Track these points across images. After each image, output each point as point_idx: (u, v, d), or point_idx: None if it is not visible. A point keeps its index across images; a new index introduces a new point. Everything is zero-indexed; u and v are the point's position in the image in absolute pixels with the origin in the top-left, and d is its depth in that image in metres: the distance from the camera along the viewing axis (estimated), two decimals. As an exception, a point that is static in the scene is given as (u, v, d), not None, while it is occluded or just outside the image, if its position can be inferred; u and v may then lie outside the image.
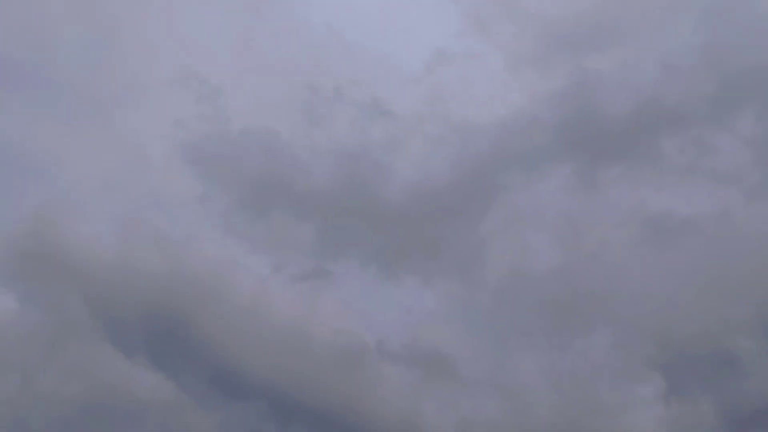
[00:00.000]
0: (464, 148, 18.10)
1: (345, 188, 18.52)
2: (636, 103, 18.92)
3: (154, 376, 26.60)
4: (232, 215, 19.90)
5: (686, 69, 18.46)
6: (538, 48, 18.47)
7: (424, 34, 19.30)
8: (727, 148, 21.48)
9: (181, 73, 17.08)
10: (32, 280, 17.05)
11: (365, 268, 24.13)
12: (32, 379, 17.35)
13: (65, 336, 20.00)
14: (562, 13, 18.35)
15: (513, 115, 17.93)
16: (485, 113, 18.62)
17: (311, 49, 19.14)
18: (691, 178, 24.60)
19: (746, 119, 19.87)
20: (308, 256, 25.25)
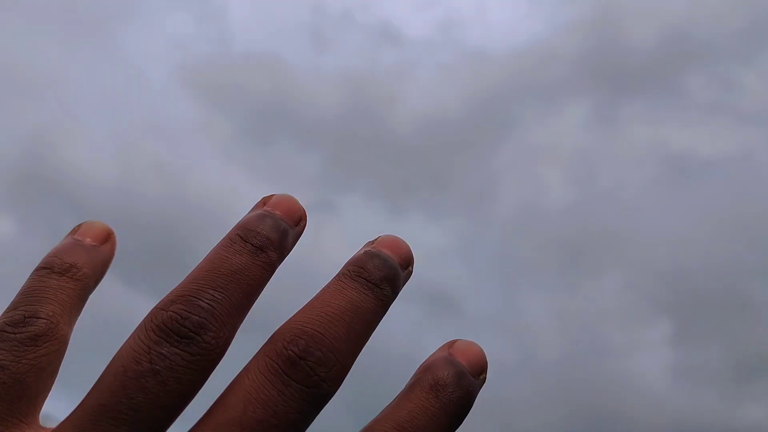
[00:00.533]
0: (477, 78, 17.45)
1: (351, 118, 18.04)
2: (661, 35, 18.22)
3: (154, 302, 27.16)
4: (234, 143, 19.57)
5: (716, 1, 17.57)
6: (560, -26, 17.64)
7: (439, -43, 18.45)
8: (753, 86, 20.90)
9: (183, -9, 16.41)
10: (30, 203, 16.89)
11: (371, 201, 24.11)
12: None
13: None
14: (587, -62, 17.42)
15: (530, 45, 17.21)
16: (501, 42, 17.87)
17: (320, -31, 18.38)
18: (715, 116, 24.25)
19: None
20: (312, 188, 25.26)
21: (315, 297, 0.33)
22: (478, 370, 0.33)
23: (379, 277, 0.33)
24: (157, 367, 0.27)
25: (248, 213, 0.35)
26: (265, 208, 0.35)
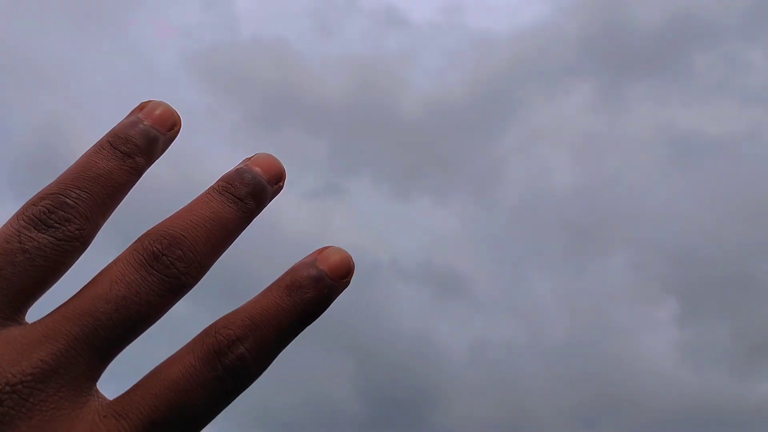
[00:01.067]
0: (482, 61, 17.36)
1: (358, 102, 17.97)
2: (666, 14, 18.04)
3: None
4: (241, 129, 19.55)
5: (722, -21, 17.42)
6: (565, -45, 17.51)
7: (443, -61, 18.34)
8: (760, 65, 20.67)
9: (188, -22, 16.42)
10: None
11: (378, 185, 23.96)
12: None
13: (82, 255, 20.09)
14: None
15: (535, 26, 17.13)
16: (505, 23, 17.75)
17: (324, -46, 18.29)
18: (721, 96, 23.93)
19: (782, 35, 19.03)
20: (320, 173, 25.10)
21: (184, 206, 0.39)
22: (340, 274, 0.37)
23: (245, 192, 0.39)
24: (26, 246, 0.32)
25: (124, 118, 0.40)
26: (139, 114, 0.39)
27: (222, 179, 0.40)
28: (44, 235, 0.33)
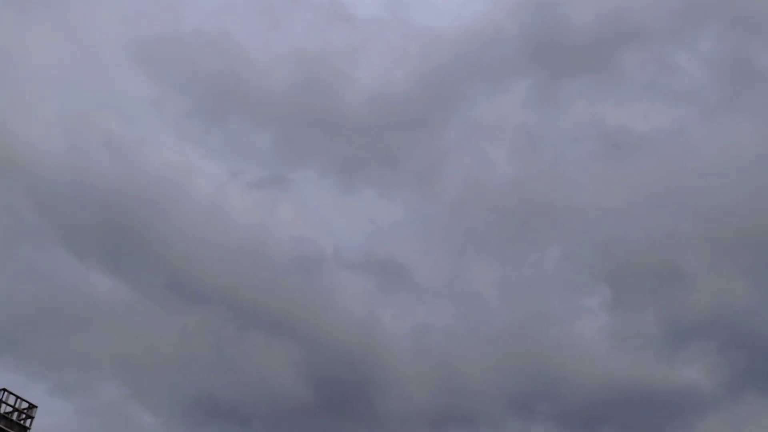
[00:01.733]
0: (425, 57, 17.91)
1: (303, 95, 18.30)
2: (599, 15, 18.79)
3: (109, 279, 26.72)
4: (186, 119, 19.50)
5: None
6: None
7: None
8: (686, 66, 21.59)
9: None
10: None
11: (324, 177, 24.19)
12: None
13: (17, 238, 19.70)
14: None
15: (476, 24, 17.71)
16: (448, 20, 18.30)
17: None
18: (650, 94, 24.88)
19: (707, 38, 19.94)
20: (266, 164, 25.12)
21: None
22: None
23: None
24: None
25: None
26: None
27: None
28: None
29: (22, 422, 13.35)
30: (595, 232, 19.46)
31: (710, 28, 18.63)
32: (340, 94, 19.53)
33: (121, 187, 18.54)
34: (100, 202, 17.54)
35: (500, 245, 21.10)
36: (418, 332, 21.45)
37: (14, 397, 13.19)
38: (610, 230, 19.22)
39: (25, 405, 13.76)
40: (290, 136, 19.51)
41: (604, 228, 19.26)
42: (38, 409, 13.83)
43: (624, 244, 19.52)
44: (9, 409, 13.15)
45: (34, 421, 13.52)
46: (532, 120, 20.01)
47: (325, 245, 22.66)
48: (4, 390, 13.24)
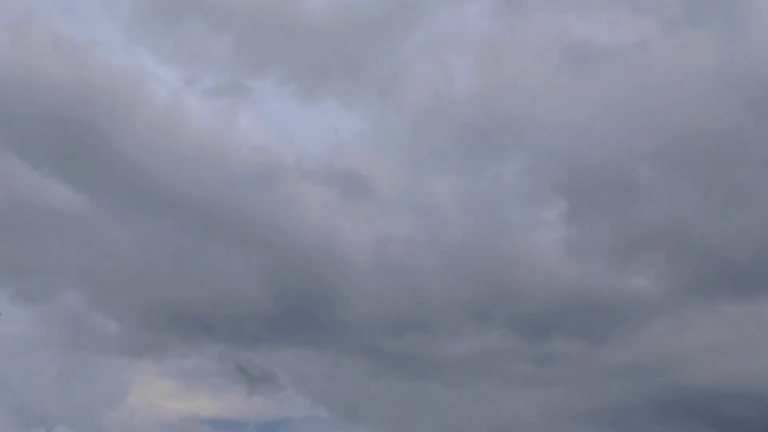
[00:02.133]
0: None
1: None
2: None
3: (64, 187, 26.06)
4: (139, 21, 18.62)
5: None
6: None
7: None
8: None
9: None
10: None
11: (284, 85, 23.69)
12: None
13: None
14: None
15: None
16: None
17: None
18: (613, 6, 24.76)
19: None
20: (224, 71, 24.43)
21: None
22: None
23: None
24: None
25: None
26: None
27: None
28: None
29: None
30: (555, 146, 19.74)
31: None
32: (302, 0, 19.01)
33: (72, 93, 17.95)
34: (51, 109, 16.97)
35: (461, 157, 21.29)
36: (379, 242, 21.80)
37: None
38: (570, 144, 19.51)
39: (-14, 312, 13.66)
40: (250, 42, 18.98)
41: (564, 142, 19.53)
42: (0, 316, 13.77)
43: (583, 157, 19.87)
44: (-31, 316, 13.06)
45: (-3, 328, 13.49)
46: (496, 31, 19.84)
47: (286, 155, 22.59)
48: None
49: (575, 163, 23.27)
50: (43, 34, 18.31)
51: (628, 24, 19.33)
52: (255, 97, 21.40)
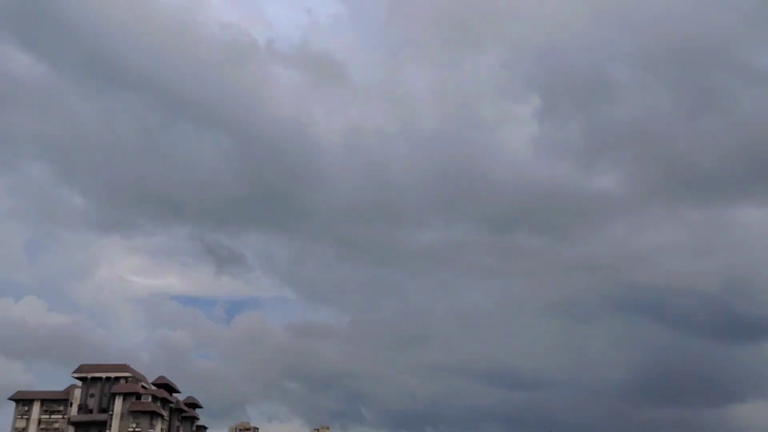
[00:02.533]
0: None
1: None
2: None
3: (26, 56, 25.33)
4: None
5: None
6: None
7: None
8: None
9: None
10: None
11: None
12: None
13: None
14: None
15: None
16: None
17: None
18: None
19: None
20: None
21: None
22: None
23: None
24: None
25: None
26: None
27: None
28: None
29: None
30: (533, 41, 19.60)
31: None
32: None
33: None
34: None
35: (437, 47, 21.06)
36: (351, 131, 21.67)
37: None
38: (548, 39, 19.38)
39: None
40: None
41: (542, 37, 19.41)
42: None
43: (560, 54, 19.84)
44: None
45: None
46: None
47: (258, 35, 21.87)
48: None
49: (552, 60, 23.37)
50: None
51: None
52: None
